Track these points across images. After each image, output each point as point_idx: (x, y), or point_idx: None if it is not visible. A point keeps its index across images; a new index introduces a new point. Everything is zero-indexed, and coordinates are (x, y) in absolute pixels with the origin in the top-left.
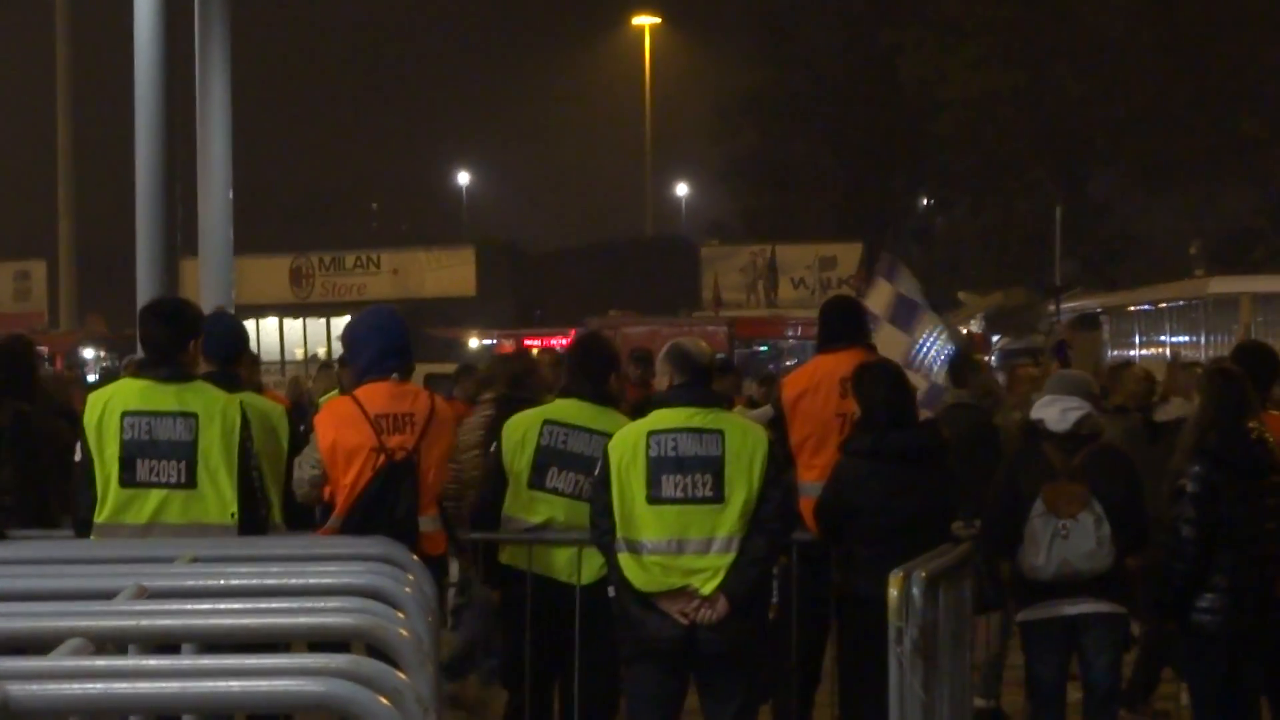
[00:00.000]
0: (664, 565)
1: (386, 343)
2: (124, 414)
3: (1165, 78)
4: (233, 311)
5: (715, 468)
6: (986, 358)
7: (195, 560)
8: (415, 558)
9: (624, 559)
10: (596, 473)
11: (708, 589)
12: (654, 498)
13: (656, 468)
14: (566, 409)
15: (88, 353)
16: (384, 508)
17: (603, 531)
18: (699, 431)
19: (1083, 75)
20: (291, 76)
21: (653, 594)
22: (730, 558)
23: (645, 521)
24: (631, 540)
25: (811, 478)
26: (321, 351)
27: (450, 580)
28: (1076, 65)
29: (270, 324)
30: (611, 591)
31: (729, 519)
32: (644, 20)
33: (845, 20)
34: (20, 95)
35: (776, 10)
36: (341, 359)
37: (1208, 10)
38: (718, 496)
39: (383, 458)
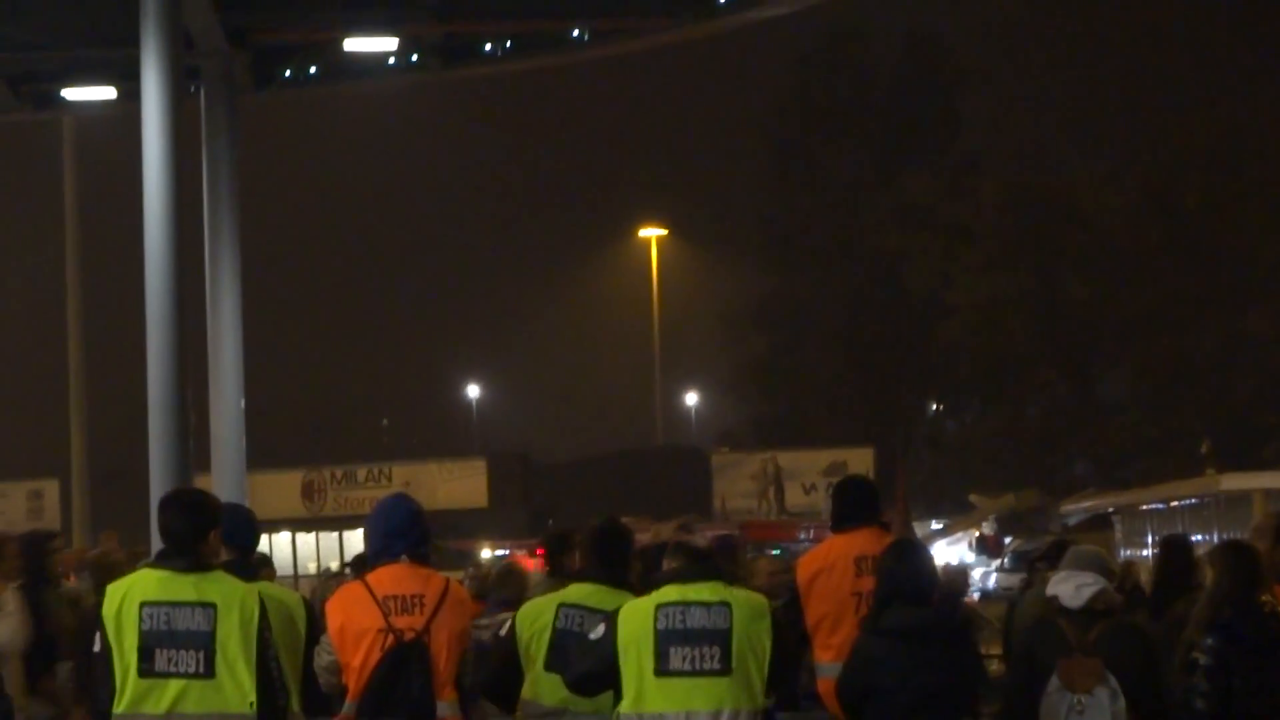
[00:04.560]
0: None
1: (391, 525)
2: (142, 604)
3: (1171, 277)
4: None
5: (723, 640)
6: (1001, 559)
7: None
8: None
9: None
10: (598, 636)
11: None
12: (662, 670)
13: (665, 640)
14: (582, 592)
15: None
16: (396, 690)
17: (577, 679)
18: (706, 605)
19: (1089, 276)
20: (301, 292)
21: None
22: None
23: (653, 694)
24: (641, 714)
25: (828, 658)
26: (334, 565)
27: None
28: (1082, 267)
29: (283, 538)
30: None
31: (736, 691)
32: (650, 232)
33: (851, 227)
34: (31, 314)
35: (782, 219)
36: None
37: (1211, 210)
38: (725, 669)
39: (391, 638)
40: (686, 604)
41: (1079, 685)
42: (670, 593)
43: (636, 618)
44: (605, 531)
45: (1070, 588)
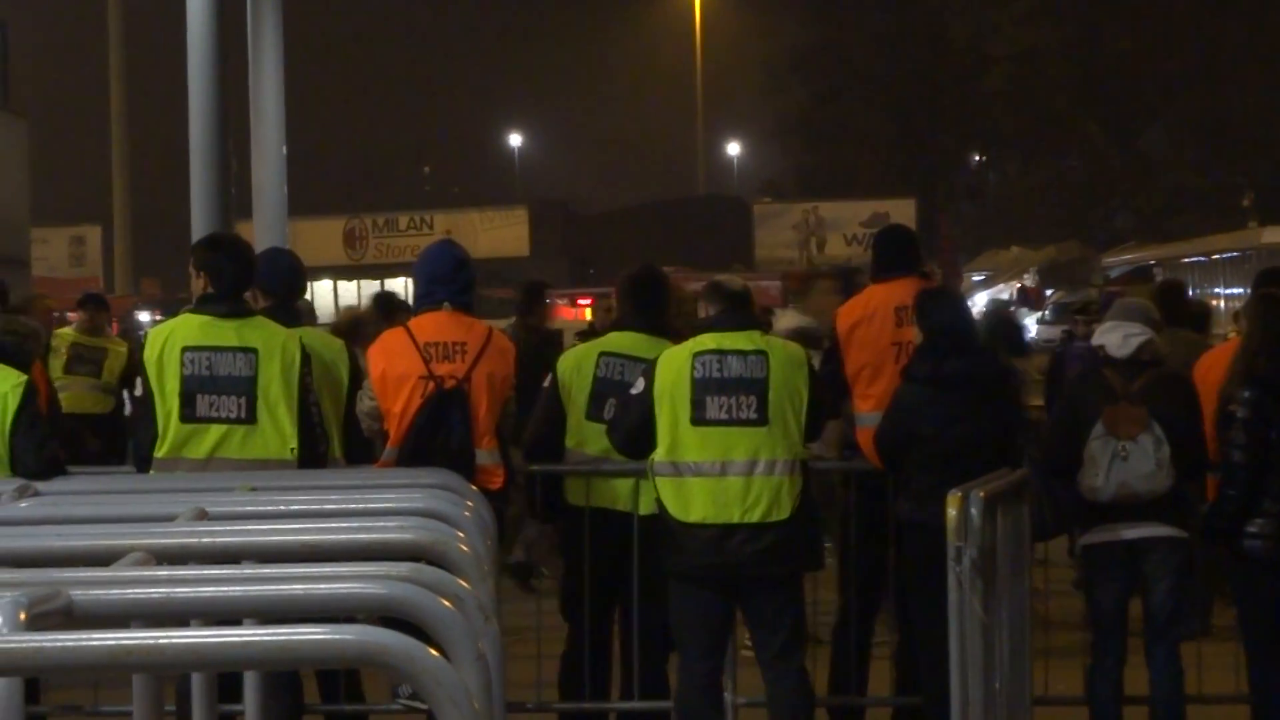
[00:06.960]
0: (707, 489)
1: (433, 271)
2: (184, 349)
3: (1215, 30)
4: None
5: (760, 389)
6: (1042, 311)
7: (254, 490)
8: (473, 488)
9: (664, 484)
10: (638, 390)
11: (753, 516)
12: (698, 419)
13: (701, 389)
14: (621, 340)
15: (143, 316)
16: (436, 437)
17: (625, 440)
18: (744, 353)
19: (1132, 29)
20: (344, 38)
21: (691, 524)
22: (774, 481)
23: (689, 442)
24: (676, 462)
25: (867, 407)
26: None
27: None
28: (1126, 19)
29: (324, 286)
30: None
31: (773, 441)
32: None
33: None
34: (73, 61)
35: None
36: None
37: None
38: (762, 418)
39: (431, 385)
40: (723, 353)
41: (1123, 431)
42: (707, 341)
43: (673, 366)
44: (641, 279)
45: (1117, 337)
